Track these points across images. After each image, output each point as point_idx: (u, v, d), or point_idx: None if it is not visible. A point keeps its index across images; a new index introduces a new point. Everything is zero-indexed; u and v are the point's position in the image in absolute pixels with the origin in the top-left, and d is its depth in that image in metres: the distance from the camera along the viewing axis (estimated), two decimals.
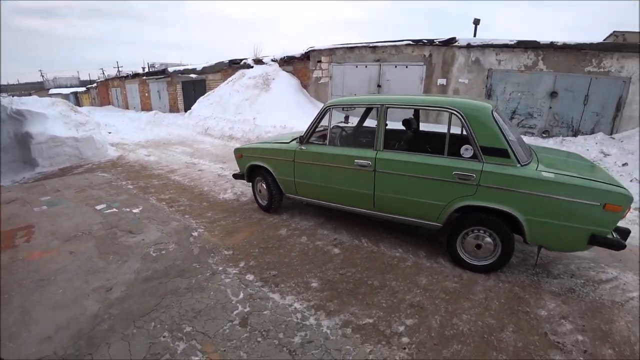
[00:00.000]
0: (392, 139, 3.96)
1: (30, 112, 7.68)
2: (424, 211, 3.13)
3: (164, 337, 2.24)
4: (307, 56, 11.62)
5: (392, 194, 3.22)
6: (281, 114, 9.86)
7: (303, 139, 3.74)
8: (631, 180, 5.52)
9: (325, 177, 3.61)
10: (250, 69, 12.83)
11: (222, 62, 14.54)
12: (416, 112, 4.37)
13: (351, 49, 10.55)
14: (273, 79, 11.46)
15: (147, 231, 3.84)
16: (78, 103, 32.15)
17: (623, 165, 6.01)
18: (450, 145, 3.00)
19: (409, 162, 3.09)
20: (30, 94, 27.84)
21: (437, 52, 9.39)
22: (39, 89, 40.68)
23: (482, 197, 2.82)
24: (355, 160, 3.32)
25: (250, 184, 4.67)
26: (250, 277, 2.93)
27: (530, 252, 3.40)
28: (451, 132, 3.11)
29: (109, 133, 11.76)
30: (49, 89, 39.51)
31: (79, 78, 44.12)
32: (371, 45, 10.10)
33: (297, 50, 12.10)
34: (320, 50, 11.18)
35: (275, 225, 4.01)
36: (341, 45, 10.70)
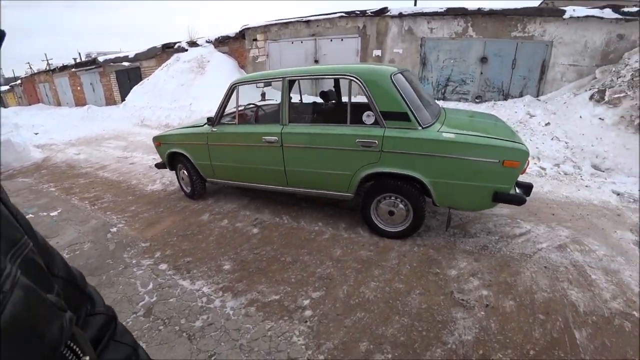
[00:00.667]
0: (303, 113, 4.01)
1: None
2: (334, 182, 3.19)
3: None
4: (242, 35, 11.26)
5: (301, 168, 3.27)
6: (218, 97, 9.50)
7: (213, 121, 3.70)
8: (552, 139, 5.87)
9: (239, 157, 3.62)
10: (185, 53, 12.28)
11: (155, 47, 13.77)
12: (337, 84, 4.39)
13: (286, 24, 10.33)
14: (208, 62, 11.05)
15: (64, 233, 3.71)
16: (3, 104, 29.35)
17: (546, 125, 6.38)
18: (355, 113, 2.99)
19: (313, 133, 3.13)
20: None
21: (370, 23, 9.38)
22: None
23: (386, 163, 2.87)
24: (263, 137, 3.33)
25: (174, 172, 4.59)
26: (163, 266, 2.94)
27: (454, 214, 3.54)
28: (359, 102, 3.15)
29: (36, 134, 10.96)
30: None
31: (3, 75, 40.10)
32: (305, 19, 9.93)
33: (233, 29, 11.69)
34: (255, 27, 10.86)
35: (198, 211, 4.00)
36: (276, 22, 10.45)
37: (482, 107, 7.97)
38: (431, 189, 2.81)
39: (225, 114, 3.76)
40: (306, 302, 2.41)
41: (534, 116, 6.83)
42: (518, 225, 3.38)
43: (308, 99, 5.20)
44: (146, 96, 11.44)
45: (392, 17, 9.07)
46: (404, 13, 8.92)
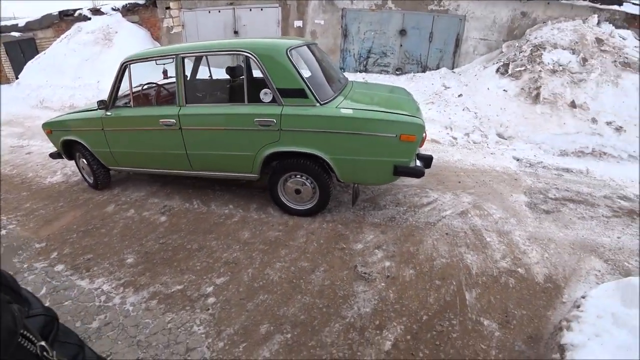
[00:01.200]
0: (204, 91, 3.85)
1: None
2: (237, 164, 3.16)
3: None
4: (153, 3, 10.27)
5: (202, 151, 3.20)
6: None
7: (107, 104, 3.42)
8: (463, 109, 6.24)
9: (138, 142, 3.44)
10: (88, 22, 10.94)
11: (51, 14, 12.03)
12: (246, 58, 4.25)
13: None
14: (116, 32, 9.99)
15: None
16: None
17: (459, 96, 6.75)
18: (254, 91, 2.90)
19: (211, 114, 3.05)
20: None
21: None
22: None
23: (286, 141, 2.85)
24: (160, 120, 3.17)
25: (72, 161, 4.21)
26: (59, 267, 2.77)
27: (365, 187, 3.67)
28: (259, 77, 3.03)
29: None
30: None
31: None
32: None
33: None
34: None
35: (102, 202, 3.77)
36: None
37: (402, 79, 8.30)
38: (333, 166, 2.84)
39: (120, 95, 3.48)
40: (210, 289, 2.43)
41: (448, 88, 7.24)
42: (426, 194, 3.56)
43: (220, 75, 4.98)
44: (44, 73, 10.09)
45: None
46: None
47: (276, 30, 9.51)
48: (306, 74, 2.94)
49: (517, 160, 4.60)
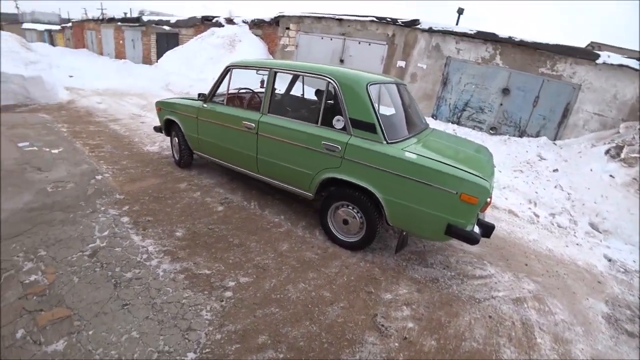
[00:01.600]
0: (287, 105, 4.20)
1: None
2: (297, 179, 3.35)
3: (17, 256, 2.56)
4: (276, 22, 11.54)
5: (270, 158, 3.47)
6: (242, 78, 9.92)
7: (206, 97, 3.97)
8: (555, 187, 5.67)
9: (221, 136, 3.86)
10: (221, 28, 12.66)
11: (195, 17, 14.24)
12: (328, 85, 4.55)
13: (319, 19, 10.53)
14: (240, 41, 11.39)
15: (55, 170, 4.09)
16: (52, 42, 30.75)
17: (554, 171, 6.19)
18: (327, 115, 3.06)
19: (284, 127, 3.29)
20: (0, 27, 26.44)
21: (400, 33, 9.41)
22: (12, 21, 38.51)
23: (346, 170, 2.89)
24: (243, 122, 3.56)
25: (168, 137, 4.90)
26: (125, 219, 3.24)
27: (418, 240, 3.50)
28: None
29: (71, 77, 11.60)
30: (22, 23, 37.49)
31: (59, 15, 41.84)
32: (338, 17, 10.10)
33: (270, 13, 11.99)
34: (289, 16, 11.11)
35: (179, 179, 4.30)
36: (310, 14, 10.66)
37: (495, 140, 7.87)
38: (385, 207, 2.79)
39: (218, 93, 4.02)
40: (232, 284, 2.57)
41: (544, 159, 6.69)
42: (482, 267, 3.24)
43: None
44: (177, 62, 11.90)
45: (422, 30, 9.06)
46: (434, 28, 8.88)
47: (379, 67, 9.88)
48: (385, 111, 3.01)
49: (609, 260, 3.84)
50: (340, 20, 10.14)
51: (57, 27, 32.37)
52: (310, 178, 3.20)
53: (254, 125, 3.47)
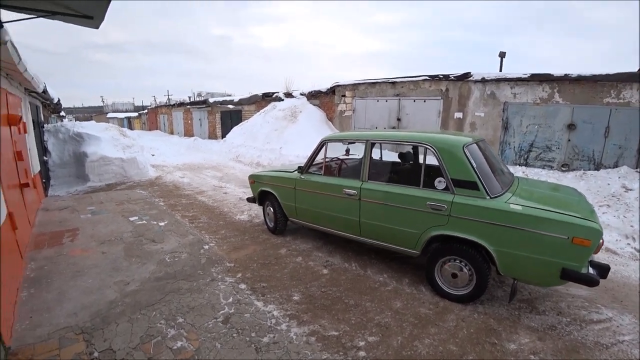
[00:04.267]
0: (382, 171, 4.37)
1: (87, 135, 8.88)
2: (403, 239, 3.45)
3: (160, 323, 2.75)
4: (332, 91, 12.42)
5: (374, 221, 3.61)
6: (306, 144, 10.54)
7: (303, 169, 4.27)
8: None
9: (320, 203, 4.08)
10: (281, 102, 13.81)
11: (256, 94, 15.74)
12: (414, 146, 4.75)
13: (373, 84, 11.21)
14: (300, 112, 12.29)
15: (167, 241, 4.46)
16: (130, 127, 35.12)
17: None
18: (428, 177, 3.30)
19: (389, 192, 3.46)
20: (91, 117, 30.93)
21: (453, 87, 9.71)
22: (99, 112, 45.37)
23: (453, 227, 3.05)
24: (344, 190, 3.77)
25: (261, 207, 5.22)
26: (242, 286, 3.41)
27: (523, 287, 3.47)
28: (433, 164, 3.42)
29: (152, 155, 13.00)
30: (107, 113, 43.80)
31: (133, 104, 48.49)
32: (391, 80, 10.69)
33: (325, 84, 12.98)
34: (344, 85, 11.94)
35: (277, 245, 4.50)
36: (364, 81, 11.40)
37: (569, 177, 7.47)
38: (496, 258, 2.86)
39: (313, 164, 4.31)
40: (362, 343, 2.61)
41: (630, 190, 6.22)
42: (597, 310, 3.12)
43: (388, 156, 5.60)
44: (243, 136, 12.99)
45: (475, 81, 9.27)
46: (486, 78, 9.04)
47: (436, 121, 10.09)
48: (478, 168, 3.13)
49: None
50: (393, 83, 10.71)
51: (135, 114, 37.25)
52: (417, 237, 3.30)
53: (355, 192, 3.67)
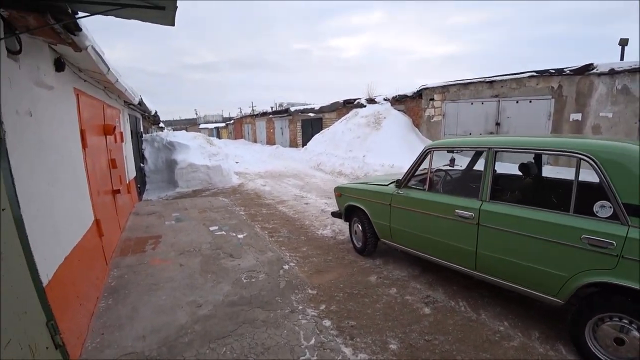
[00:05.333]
0: (504, 187, 3.44)
1: (178, 144, 9.30)
2: (539, 281, 2.53)
3: None
4: (419, 94, 11.44)
5: (498, 255, 2.73)
6: (390, 152, 9.76)
7: (401, 183, 3.55)
8: None
9: (423, 226, 3.32)
10: (363, 108, 13.21)
11: (338, 102, 15.37)
12: (537, 155, 3.75)
13: (466, 85, 10.00)
14: (384, 118, 11.53)
15: (245, 257, 4.09)
16: (219, 136, 37.94)
17: None
18: (581, 199, 2.37)
19: (522, 217, 2.57)
20: (186, 128, 34.16)
21: (568, 83, 8.12)
22: (192, 124, 50.37)
23: (625, 273, 2.10)
24: (456, 211, 2.96)
25: (347, 223, 4.62)
26: (327, 322, 2.80)
27: None
28: (585, 181, 2.51)
29: (236, 162, 13.38)
30: (199, 124, 48.21)
31: (222, 115, 53.02)
32: (488, 80, 9.37)
33: (409, 88, 12.03)
34: (433, 87, 10.89)
35: (366, 270, 3.83)
36: (455, 82, 10.23)
37: None
38: None
39: (414, 176, 3.56)
40: None
41: None
42: None
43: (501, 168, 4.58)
44: (324, 144, 12.66)
45: (599, 74, 7.62)
46: (617, 69, 7.33)
47: (545, 124, 8.54)
48: None
49: None
50: (491, 82, 9.38)
51: (222, 124, 40.39)
52: (562, 281, 2.38)
53: (472, 214, 2.84)
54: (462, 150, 3.25)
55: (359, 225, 4.16)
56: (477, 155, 3.98)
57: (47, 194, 2.34)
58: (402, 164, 8.88)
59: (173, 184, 8.84)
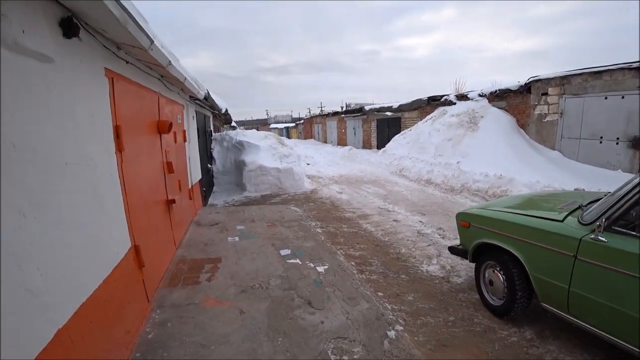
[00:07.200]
0: None
1: (248, 144, 8.52)
2: None
3: None
4: (527, 88, 9.32)
5: None
6: (493, 159, 7.93)
7: (602, 223, 2.03)
8: None
9: None
10: (453, 106, 11.36)
11: (421, 99, 13.62)
12: None
13: (597, 73, 7.72)
14: (482, 117, 9.62)
15: (329, 308, 2.88)
16: (288, 135, 37.97)
17: None
18: None
19: None
20: (257, 128, 34.68)
21: None
22: (263, 124, 51.53)
23: None
24: None
25: (472, 264, 3.19)
26: None
27: None
28: None
29: (308, 164, 12.43)
30: (270, 124, 49.09)
31: (291, 116, 53.43)
32: (634, 65, 7.03)
33: (510, 82, 9.94)
34: (547, 79, 8.74)
35: (515, 349, 2.40)
36: (582, 71, 8.00)
37: None
38: None
39: (627, 212, 2.03)
40: None
41: None
42: None
43: None
44: (407, 146, 11.11)
45: None
46: None
47: None
48: None
49: None
50: (638, 69, 7.03)
51: (292, 124, 40.41)
52: None
53: None
54: None
55: (499, 274, 2.73)
56: None
57: (24, 236, 1.35)
58: (513, 175, 7.06)
59: (241, 187, 8.08)
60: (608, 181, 6.43)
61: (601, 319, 2.08)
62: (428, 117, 12.23)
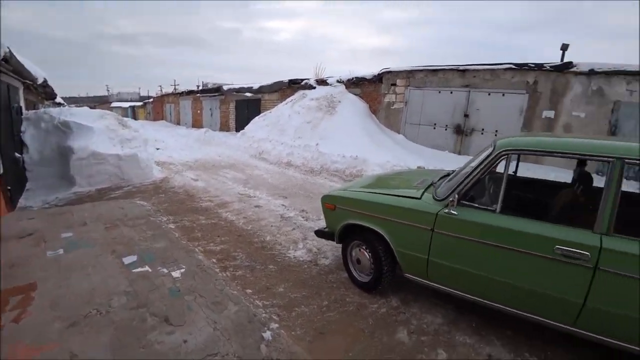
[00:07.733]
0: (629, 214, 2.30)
1: (77, 125, 6.87)
2: None
3: None
4: (379, 78, 10.33)
5: (620, 310, 1.77)
6: (349, 141, 8.50)
7: (455, 198, 2.22)
8: None
9: (496, 265, 2.11)
10: (313, 90, 11.73)
11: (281, 81, 13.62)
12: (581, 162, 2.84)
13: (434, 71, 9.17)
14: (339, 102, 10.21)
15: (192, 321, 2.43)
16: (134, 116, 33.28)
17: None
18: None
19: None
20: (94, 106, 29.14)
21: (545, 79, 7.84)
22: (103, 101, 43.85)
23: None
24: (557, 246, 1.85)
25: (339, 244, 3.21)
26: None
27: None
28: None
29: (157, 149, 11.01)
30: (111, 102, 42.09)
31: (139, 94, 46.90)
32: (461, 68, 8.64)
33: (367, 70, 10.87)
34: (396, 72, 9.86)
35: (385, 319, 2.52)
36: (423, 67, 9.33)
37: None
38: None
39: (473, 188, 2.26)
40: None
41: None
42: None
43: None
44: (267, 128, 10.94)
45: (577, 73, 7.47)
46: (596, 70, 7.22)
47: (517, 120, 8.11)
48: None
49: None
50: (463, 71, 8.67)
51: (140, 103, 35.51)
52: None
53: (587, 254, 1.76)
54: (563, 157, 2.02)
55: (365, 252, 2.81)
56: (581, 165, 2.90)
57: None
58: (367, 156, 7.68)
59: (68, 181, 6.48)
60: (441, 160, 7.87)
61: (455, 280, 2.34)
62: (288, 99, 12.32)
